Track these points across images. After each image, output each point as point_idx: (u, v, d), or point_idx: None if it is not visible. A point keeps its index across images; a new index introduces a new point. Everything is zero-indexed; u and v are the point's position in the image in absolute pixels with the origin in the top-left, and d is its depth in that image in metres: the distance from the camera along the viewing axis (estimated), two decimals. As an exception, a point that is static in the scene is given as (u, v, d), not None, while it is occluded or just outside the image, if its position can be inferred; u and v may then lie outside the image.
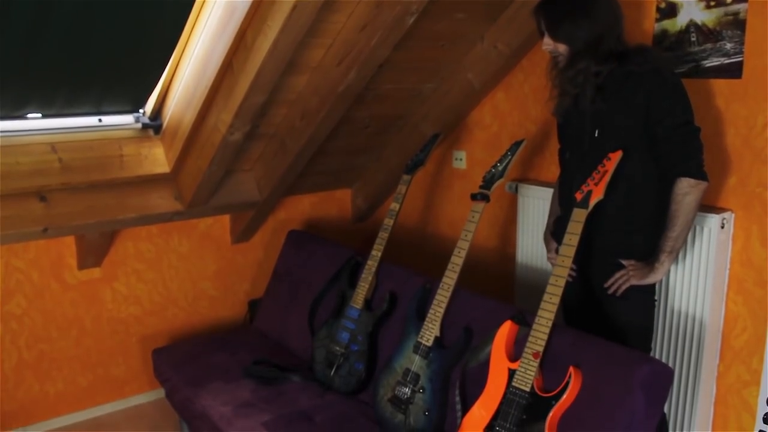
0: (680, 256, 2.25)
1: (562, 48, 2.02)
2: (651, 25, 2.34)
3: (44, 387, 2.94)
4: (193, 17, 2.39)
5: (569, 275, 2.14)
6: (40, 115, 2.49)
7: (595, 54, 1.97)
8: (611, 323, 2.15)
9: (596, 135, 2.05)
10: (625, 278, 2.03)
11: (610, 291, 2.06)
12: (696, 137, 1.95)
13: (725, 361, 2.32)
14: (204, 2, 2.35)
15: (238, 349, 2.77)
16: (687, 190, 1.93)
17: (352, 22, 2.34)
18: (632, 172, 1.99)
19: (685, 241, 2.02)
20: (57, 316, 2.92)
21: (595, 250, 2.10)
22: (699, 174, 1.94)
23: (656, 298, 2.22)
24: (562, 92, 2.08)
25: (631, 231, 2.05)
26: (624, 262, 2.05)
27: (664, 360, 2.34)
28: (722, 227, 2.20)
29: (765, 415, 2.23)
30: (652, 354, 2.35)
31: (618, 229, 2.06)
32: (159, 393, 3.16)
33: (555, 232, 2.28)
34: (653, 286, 2.11)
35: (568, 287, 2.17)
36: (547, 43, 2.04)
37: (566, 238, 1.90)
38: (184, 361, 2.69)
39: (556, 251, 2.30)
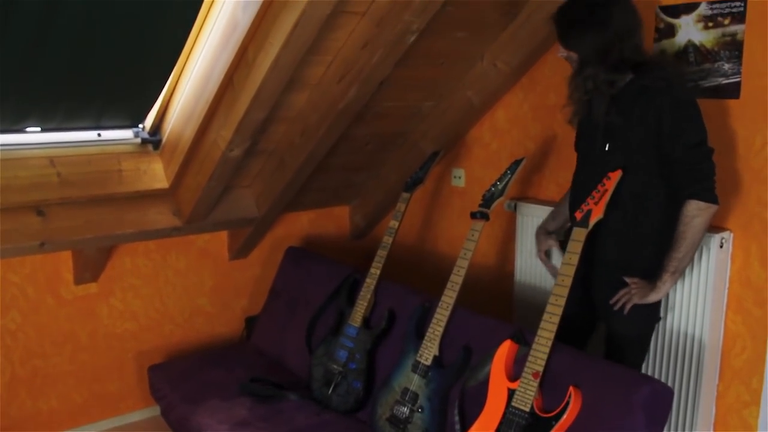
0: (679, 275, 2.24)
1: (573, 55, 2.02)
2: (650, 44, 2.35)
3: (37, 404, 2.91)
4: (194, 33, 2.40)
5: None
6: (38, 128, 2.49)
7: (603, 62, 1.95)
8: (608, 332, 2.14)
9: (606, 149, 2.03)
10: (627, 297, 2.01)
11: (616, 308, 2.03)
12: (708, 159, 1.92)
13: (725, 381, 2.31)
14: (206, 18, 2.36)
15: (235, 366, 2.75)
16: (696, 213, 1.90)
17: (353, 39, 2.36)
18: (640, 188, 1.97)
19: (690, 262, 2.00)
20: (52, 331, 2.90)
21: (599, 265, 2.08)
22: (709, 197, 1.90)
23: (661, 315, 2.20)
24: (571, 99, 2.08)
25: (637, 246, 2.03)
26: (627, 280, 2.02)
27: (663, 379, 2.33)
28: (721, 246, 2.20)
29: None
30: (649, 371, 2.35)
31: (624, 245, 2.03)
32: (154, 410, 3.13)
33: (564, 242, 2.26)
34: (658, 302, 2.08)
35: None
36: (561, 50, 2.05)
37: (566, 257, 1.89)
38: (180, 378, 2.67)
39: (547, 254, 2.34)
